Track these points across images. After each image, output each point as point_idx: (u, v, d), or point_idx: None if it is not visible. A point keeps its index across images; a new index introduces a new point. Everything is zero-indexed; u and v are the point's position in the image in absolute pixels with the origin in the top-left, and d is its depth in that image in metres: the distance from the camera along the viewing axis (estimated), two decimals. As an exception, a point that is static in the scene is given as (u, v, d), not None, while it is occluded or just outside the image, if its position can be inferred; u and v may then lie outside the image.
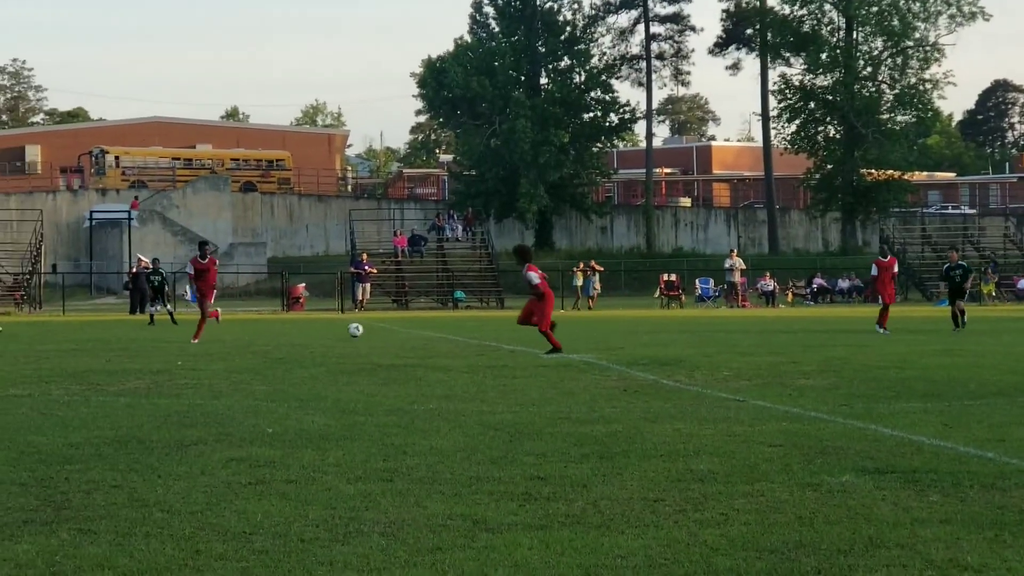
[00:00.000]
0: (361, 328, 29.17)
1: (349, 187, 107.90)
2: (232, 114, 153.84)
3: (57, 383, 18.40)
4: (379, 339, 30.08)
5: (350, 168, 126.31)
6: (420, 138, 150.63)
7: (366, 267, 58.83)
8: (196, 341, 28.38)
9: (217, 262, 30.81)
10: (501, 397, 16.02)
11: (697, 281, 63.81)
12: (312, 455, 11.05)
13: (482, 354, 24.33)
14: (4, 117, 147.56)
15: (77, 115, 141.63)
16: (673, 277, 60.97)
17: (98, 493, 9.28)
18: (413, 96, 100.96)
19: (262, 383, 18.14)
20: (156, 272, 44.83)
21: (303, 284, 61.60)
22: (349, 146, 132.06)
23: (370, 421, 13.50)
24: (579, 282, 58.70)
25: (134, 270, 54.49)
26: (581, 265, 60.58)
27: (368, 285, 58.90)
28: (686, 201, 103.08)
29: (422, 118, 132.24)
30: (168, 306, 43.71)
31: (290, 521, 8.27)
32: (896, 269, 33.60)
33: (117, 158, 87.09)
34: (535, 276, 23.63)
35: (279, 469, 10.32)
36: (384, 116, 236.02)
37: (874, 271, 33.28)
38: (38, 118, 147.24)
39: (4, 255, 65.10)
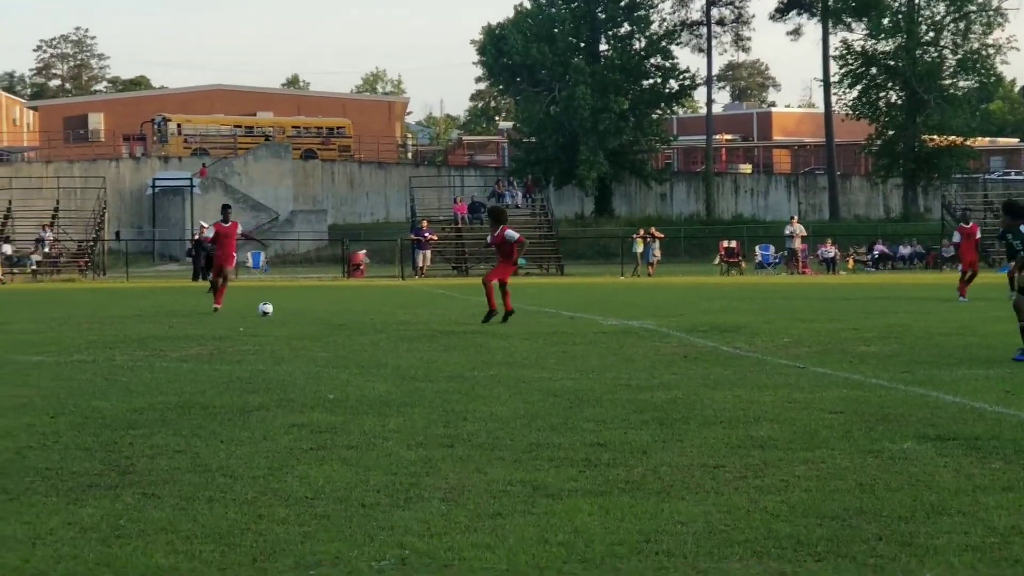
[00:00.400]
0: (271, 307, 26.72)
1: (409, 154, 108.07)
2: (293, 82, 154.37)
3: (121, 349, 18.58)
4: (439, 306, 30.19)
5: (410, 135, 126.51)
6: (480, 105, 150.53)
7: (426, 234, 58.95)
8: (219, 307, 27.71)
9: (240, 228, 29.84)
10: (561, 364, 16.04)
11: (757, 248, 63.55)
12: (373, 421, 11.11)
13: (541, 320, 24.34)
14: (67, 85, 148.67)
15: (139, 83, 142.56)
16: (733, 244, 60.78)
17: (162, 458, 9.37)
18: (473, 63, 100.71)
19: (323, 349, 18.25)
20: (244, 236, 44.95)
21: (363, 251, 61.84)
22: (409, 113, 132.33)
23: (430, 387, 13.55)
24: (639, 249, 58.59)
25: (196, 237, 54.84)
26: (641, 232, 60.43)
27: (428, 252, 59.04)
28: (746, 168, 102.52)
29: (482, 85, 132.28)
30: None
31: (351, 486, 8.32)
32: (979, 235, 33.17)
33: (179, 126, 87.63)
34: (513, 234, 23.62)
35: (340, 435, 10.38)
36: (444, 83, 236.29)
37: (956, 238, 33.03)
38: (101, 86, 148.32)
39: (69, 222, 65.73)
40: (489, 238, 24.50)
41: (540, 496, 7.99)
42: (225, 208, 30.20)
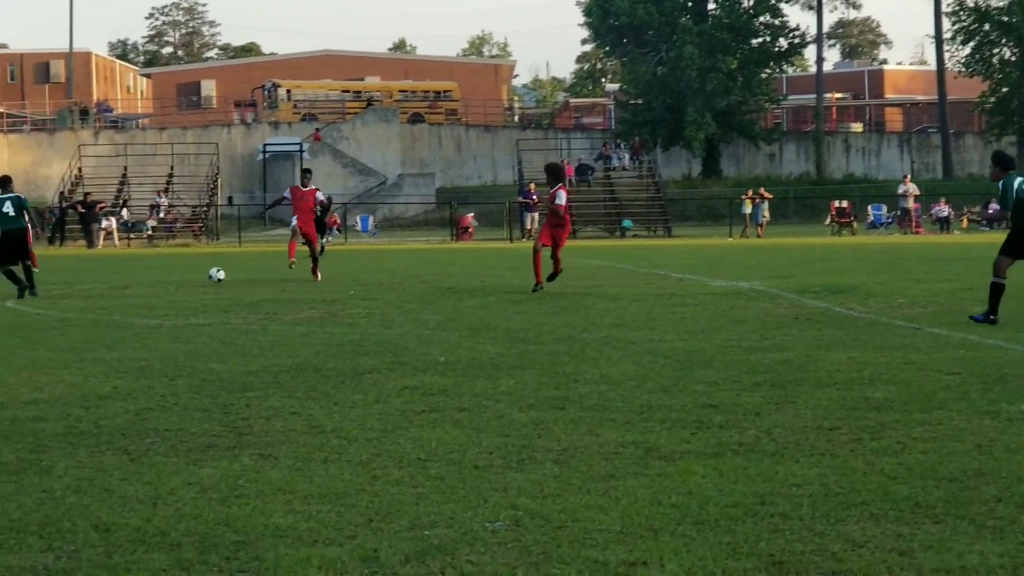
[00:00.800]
0: (223, 273, 25.61)
1: (516, 118, 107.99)
2: (400, 46, 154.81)
3: (235, 312, 18.81)
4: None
5: (516, 99, 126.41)
6: (586, 67, 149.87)
7: (534, 196, 58.92)
8: (319, 279, 25.96)
9: (319, 195, 28.22)
10: (671, 325, 15.99)
11: (869, 208, 62.74)
12: (484, 383, 11.15)
13: (650, 282, 24.28)
14: (179, 52, 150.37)
15: (250, 50, 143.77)
16: (844, 204, 60.09)
17: (277, 419, 9.49)
18: (579, 25, 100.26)
19: (433, 312, 18.34)
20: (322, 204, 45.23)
21: (471, 214, 61.95)
22: (515, 76, 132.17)
23: (541, 349, 13.58)
24: (748, 210, 58.13)
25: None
26: (750, 192, 59.94)
27: (536, 214, 59.00)
28: (857, 126, 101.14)
29: (588, 47, 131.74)
30: (327, 238, 44.28)
31: (464, 448, 8.37)
32: None
33: (289, 91, 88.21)
34: (564, 197, 22.36)
35: (452, 397, 10.44)
36: (550, 46, 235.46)
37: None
38: (212, 53, 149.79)
39: (182, 187, 66.62)
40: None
41: (652, 458, 7.99)
42: (305, 173, 28.98)
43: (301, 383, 11.28)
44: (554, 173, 22.50)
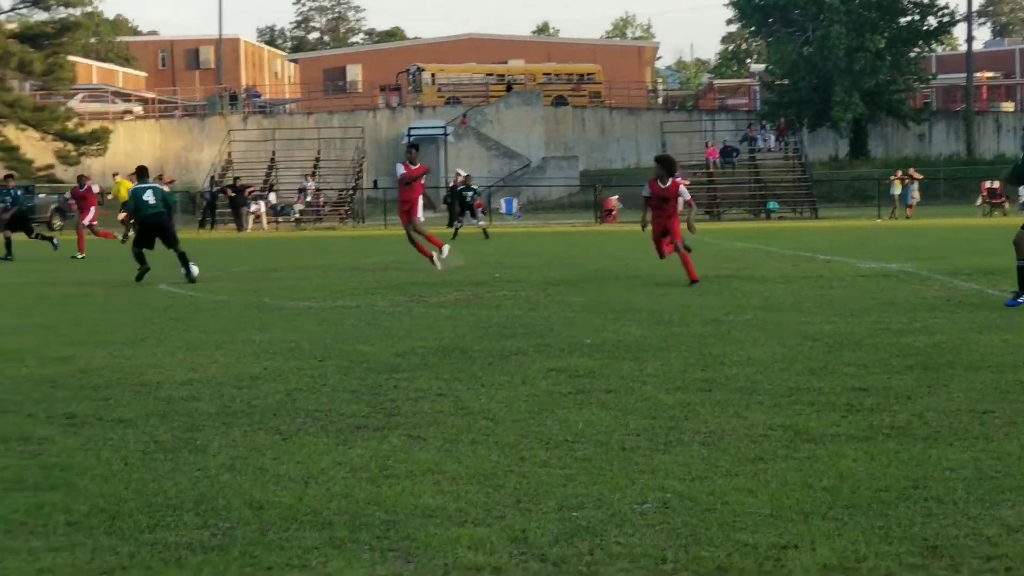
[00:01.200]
0: (197, 269, 22.67)
1: (659, 100, 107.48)
2: (543, 29, 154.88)
3: (382, 295, 19.00)
4: (693, 251, 29.96)
5: (660, 80, 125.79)
6: (730, 48, 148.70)
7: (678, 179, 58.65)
8: (441, 267, 24.73)
9: (427, 172, 26.65)
10: (818, 307, 15.81)
11: (1021, 189, 61.35)
12: (630, 365, 11.13)
13: (797, 264, 24.04)
14: (325, 38, 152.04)
15: (394, 34, 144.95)
16: (996, 184, 58.86)
17: (425, 401, 9.55)
18: (724, 5, 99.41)
19: (578, 295, 18.35)
20: (469, 188, 45.52)
21: (616, 196, 61.84)
22: (658, 58, 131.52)
23: (686, 331, 13.51)
24: (897, 191, 57.27)
25: (452, 184, 55.61)
26: (899, 173, 59.02)
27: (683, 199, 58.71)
28: (1009, 106, 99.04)
29: (733, 28, 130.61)
30: (481, 220, 44.47)
31: (611, 430, 8.36)
32: None
33: (433, 75, 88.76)
34: (687, 192, 21.09)
35: (598, 379, 10.43)
36: (694, 27, 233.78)
37: None
38: (357, 38, 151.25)
39: (329, 171, 67.41)
40: (650, 189, 20.81)
41: (802, 441, 7.91)
42: (411, 148, 27.38)
43: (448, 365, 11.35)
44: (668, 165, 21.12)
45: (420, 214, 25.78)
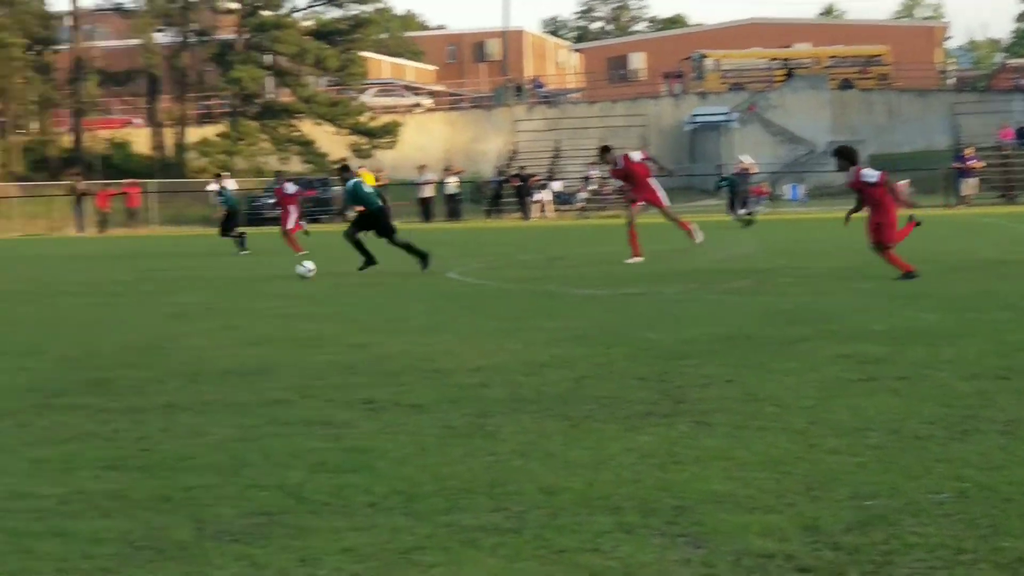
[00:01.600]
0: (312, 268, 22.59)
1: (950, 81, 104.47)
2: (829, 11, 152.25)
3: (668, 283, 19.00)
4: (989, 235, 29.18)
5: (951, 61, 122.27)
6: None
7: (970, 161, 56.98)
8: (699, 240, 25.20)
9: (649, 166, 25.19)
10: None
11: None
12: (922, 351, 10.89)
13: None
14: (608, 27, 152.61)
15: (676, 21, 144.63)
16: None
17: (712, 388, 9.53)
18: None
19: (866, 280, 18.02)
20: (745, 175, 45.02)
21: (907, 180, 60.43)
22: (948, 38, 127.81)
23: (983, 318, 13.14)
24: None
25: (737, 171, 55.16)
26: None
27: (974, 180, 57.05)
28: None
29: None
30: (744, 210, 44.03)
31: (903, 418, 8.19)
32: None
33: (717, 61, 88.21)
34: (874, 173, 19.04)
35: (888, 365, 10.24)
36: (986, 6, 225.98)
37: None
38: (640, 26, 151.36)
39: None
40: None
41: (1109, 432, 7.62)
42: (605, 150, 25.83)
43: (735, 351, 11.30)
44: (845, 155, 19.61)
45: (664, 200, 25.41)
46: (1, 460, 7.71)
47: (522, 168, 61.83)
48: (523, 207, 57.98)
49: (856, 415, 8.33)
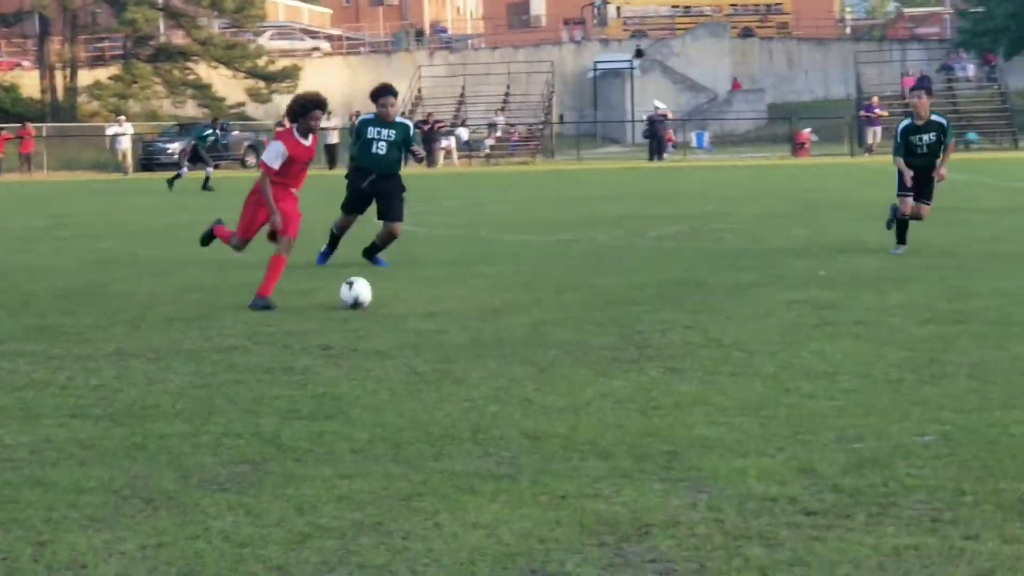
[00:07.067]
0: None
1: (848, 29, 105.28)
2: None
3: (599, 229, 18.95)
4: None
5: (848, 10, 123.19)
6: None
7: (876, 110, 57.51)
8: None
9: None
10: (1054, 239, 15.42)
11: None
12: (872, 297, 10.96)
13: (1014, 196, 23.44)
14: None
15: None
16: None
17: (673, 333, 9.50)
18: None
19: (799, 226, 18.13)
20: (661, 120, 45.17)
21: (808, 129, 60.92)
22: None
23: (922, 263, 13.29)
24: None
25: (650, 116, 55.21)
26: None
27: (878, 128, 57.61)
28: None
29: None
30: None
31: (870, 362, 8.23)
32: None
33: (618, 8, 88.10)
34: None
35: (843, 311, 10.29)
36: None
37: None
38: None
39: (517, 106, 67.48)
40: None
41: (1078, 374, 7.71)
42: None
43: (688, 297, 11.28)
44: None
45: None
46: (-39, 408, 7.49)
47: (430, 114, 61.49)
48: (430, 153, 57.65)
49: (824, 360, 8.35)
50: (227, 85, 71.03)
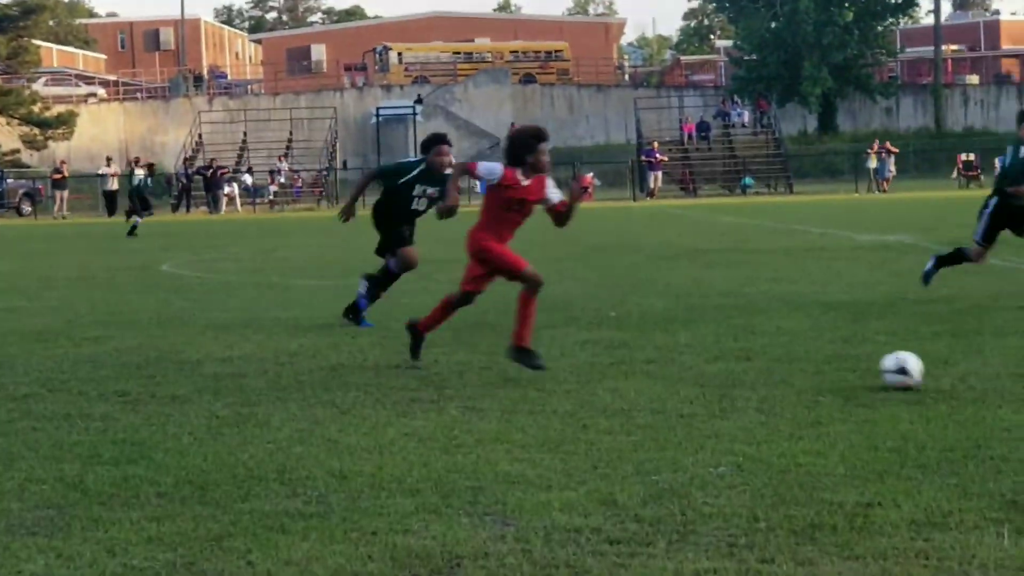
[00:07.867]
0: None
1: (626, 76, 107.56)
2: (504, 6, 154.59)
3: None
4: (681, 226, 30.21)
5: (625, 57, 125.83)
6: (693, 24, 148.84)
7: (656, 155, 58.84)
8: None
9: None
10: (829, 279, 15.99)
11: (996, 160, 61.75)
12: (663, 337, 11.27)
13: (793, 237, 24.21)
14: (284, 17, 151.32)
15: (354, 13, 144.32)
16: (971, 156, 59.34)
17: (470, 374, 9.67)
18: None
19: (587, 269, 18.46)
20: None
21: (591, 174, 61.97)
22: (623, 35, 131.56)
23: (707, 303, 13.67)
24: (873, 164, 57.63)
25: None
26: (875, 147, 59.36)
27: (659, 173, 58.96)
28: (973, 79, 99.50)
29: (695, 3, 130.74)
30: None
31: (664, 398, 8.49)
32: None
33: (400, 54, 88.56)
34: None
35: (635, 350, 10.56)
36: (655, 3, 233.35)
37: None
38: (316, 17, 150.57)
39: (300, 152, 67.24)
40: None
41: (854, 406, 8.06)
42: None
43: (481, 339, 11.47)
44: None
45: None
46: None
47: (213, 160, 60.87)
48: (213, 200, 57.06)
49: (619, 397, 8.59)
50: (1, 132, 69.36)
